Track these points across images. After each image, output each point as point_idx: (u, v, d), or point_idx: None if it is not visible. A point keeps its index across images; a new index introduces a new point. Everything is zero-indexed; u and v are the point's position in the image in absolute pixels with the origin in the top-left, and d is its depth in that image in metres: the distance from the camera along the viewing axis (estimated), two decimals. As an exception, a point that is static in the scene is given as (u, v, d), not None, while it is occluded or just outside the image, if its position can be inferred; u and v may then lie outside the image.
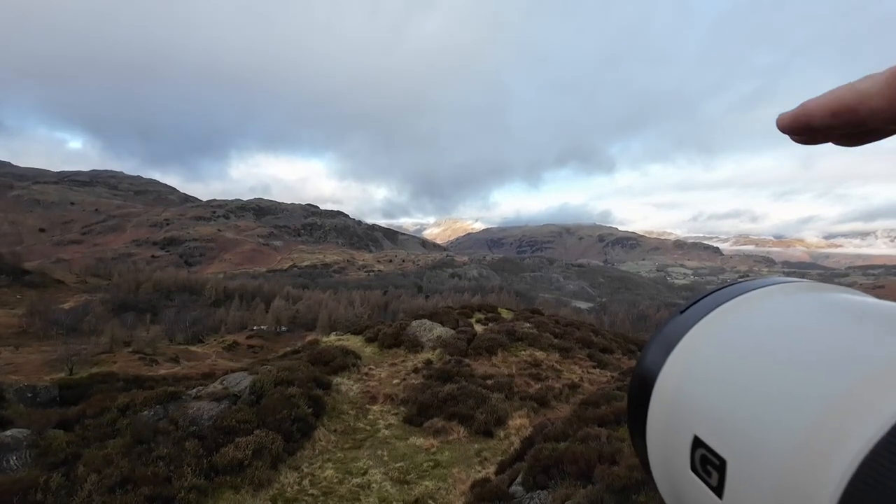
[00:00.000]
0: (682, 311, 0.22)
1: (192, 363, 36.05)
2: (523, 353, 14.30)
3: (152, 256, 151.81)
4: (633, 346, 17.96)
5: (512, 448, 8.14)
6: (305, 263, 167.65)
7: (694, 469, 0.19)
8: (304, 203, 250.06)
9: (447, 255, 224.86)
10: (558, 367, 13.51)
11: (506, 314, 21.07)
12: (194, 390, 9.09)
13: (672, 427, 0.19)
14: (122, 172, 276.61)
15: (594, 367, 13.94)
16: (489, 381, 11.54)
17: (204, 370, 24.70)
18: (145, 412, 7.97)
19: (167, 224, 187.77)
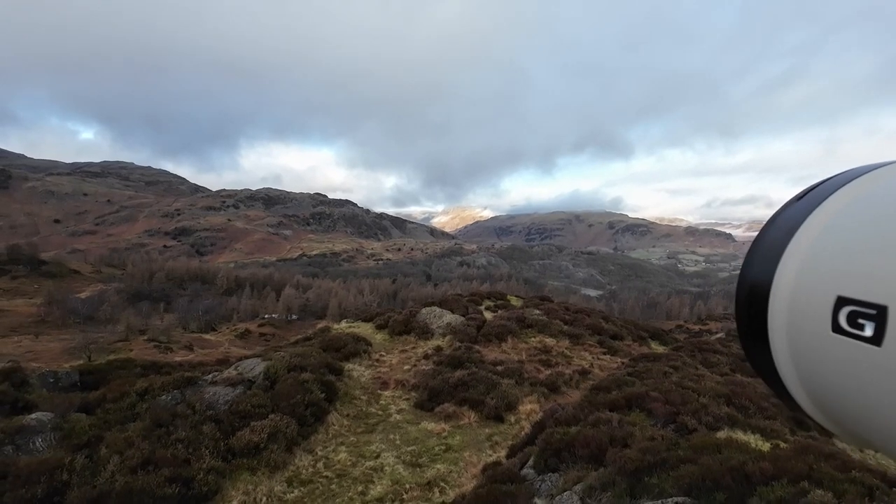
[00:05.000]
0: (799, 198, 0.25)
1: (205, 350, 36.74)
2: (533, 339, 14.33)
3: (164, 246, 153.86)
4: (643, 332, 17.89)
5: (523, 432, 8.21)
6: (315, 252, 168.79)
7: (838, 330, 0.21)
8: (312, 192, 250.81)
9: (455, 244, 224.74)
10: (568, 353, 13.53)
11: (515, 302, 21.08)
12: (210, 376, 9.26)
13: (806, 302, 0.21)
14: (132, 163, 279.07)
15: (604, 354, 13.93)
16: (499, 367, 11.60)
17: (218, 357, 25.14)
18: (163, 396, 8.16)
19: (178, 214, 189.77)
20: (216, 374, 9.49)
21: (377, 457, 7.64)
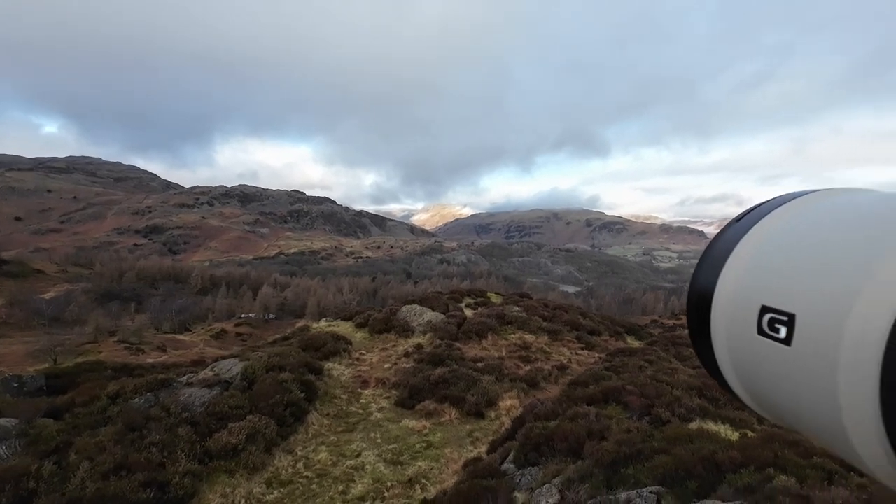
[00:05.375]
0: (738, 220, 0.31)
1: (179, 352, 35.75)
2: (513, 336, 14.49)
3: (135, 245, 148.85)
4: (620, 328, 18.29)
5: (503, 428, 8.31)
6: (293, 250, 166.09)
7: (761, 332, 0.27)
8: (290, 189, 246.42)
9: (436, 241, 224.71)
10: (547, 349, 13.74)
11: (495, 299, 21.25)
12: (185, 377, 9.05)
13: (739, 309, 0.28)
14: (100, 159, 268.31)
15: (582, 349, 14.20)
16: (480, 364, 11.70)
17: (193, 358, 24.53)
18: (136, 399, 7.94)
19: (149, 211, 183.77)
20: (192, 375, 9.28)
21: (358, 455, 7.62)
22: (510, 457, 6.23)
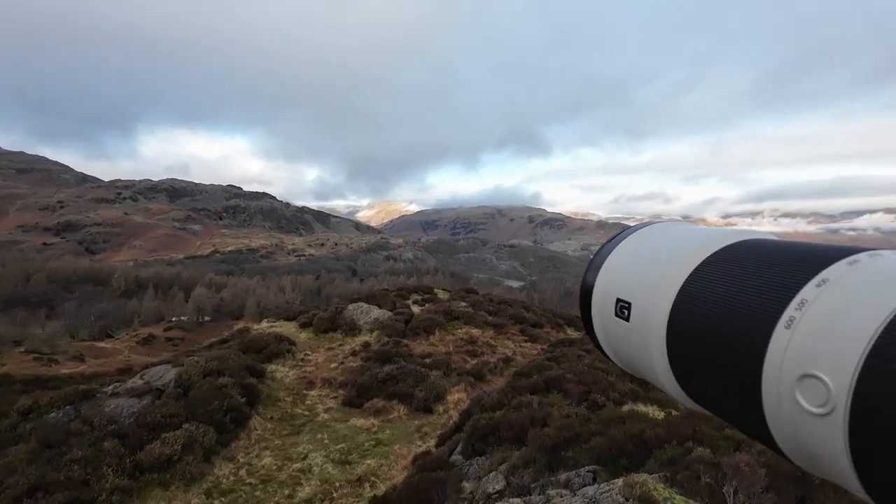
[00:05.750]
0: (610, 241, 0.48)
1: (100, 360, 32.81)
2: (460, 331, 14.75)
3: (44, 244, 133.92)
4: (560, 320, 19.16)
5: (451, 421, 8.48)
6: (229, 249, 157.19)
7: (616, 315, 0.42)
8: (225, 184, 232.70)
9: (381, 238, 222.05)
10: (493, 342, 14.13)
11: (442, 295, 21.48)
12: (110, 387, 8.38)
13: (604, 299, 0.44)
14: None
15: (526, 341, 14.74)
16: (428, 360, 11.82)
17: (118, 366, 22.65)
18: (53, 414, 7.26)
19: (61, 207, 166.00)
20: (118, 384, 8.61)
21: (304, 458, 7.46)
22: (458, 448, 6.40)
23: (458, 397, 9.86)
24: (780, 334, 0.27)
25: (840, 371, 0.24)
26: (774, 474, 2.86)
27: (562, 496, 3.20)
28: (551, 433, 5.23)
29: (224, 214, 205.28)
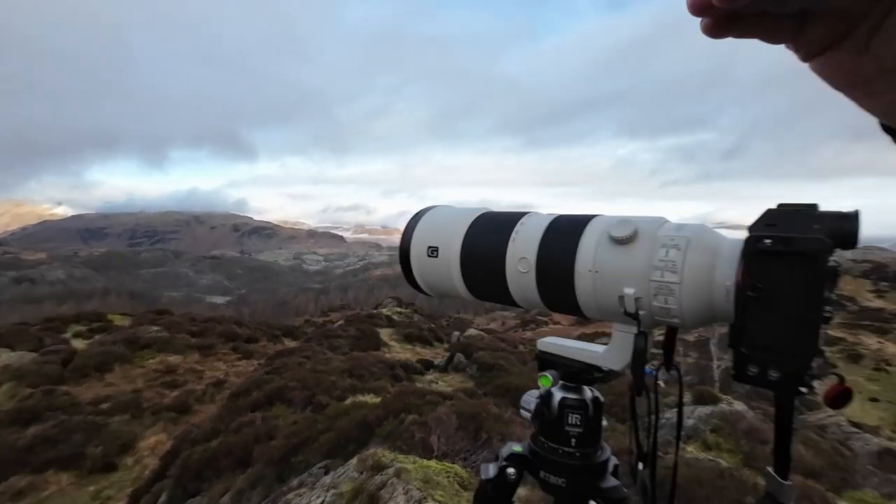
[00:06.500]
0: (414, 216, 0.75)
1: None
2: (152, 360, 12.19)
3: None
4: (276, 331, 18.48)
5: (147, 471, 6.98)
6: None
7: (427, 256, 0.70)
8: None
9: (5, 252, 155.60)
10: (199, 367, 12.35)
11: (121, 321, 17.10)
12: None
13: (420, 247, 0.71)
14: None
15: (240, 359, 13.56)
16: (105, 405, 9.29)
17: None
18: None
19: None
20: None
21: None
22: (163, 498, 5.37)
23: (154, 440, 8.16)
24: (510, 246, 0.60)
25: (532, 251, 0.58)
26: (462, 417, 3.83)
27: (300, 496, 3.23)
28: (279, 444, 5.11)
29: None
